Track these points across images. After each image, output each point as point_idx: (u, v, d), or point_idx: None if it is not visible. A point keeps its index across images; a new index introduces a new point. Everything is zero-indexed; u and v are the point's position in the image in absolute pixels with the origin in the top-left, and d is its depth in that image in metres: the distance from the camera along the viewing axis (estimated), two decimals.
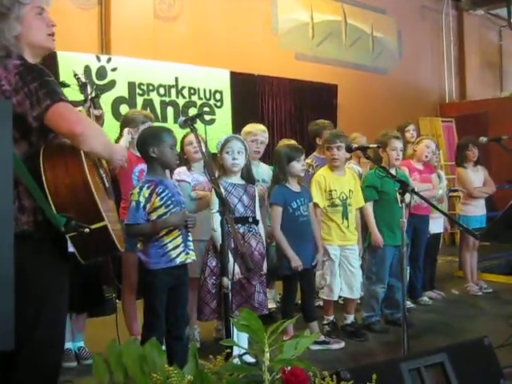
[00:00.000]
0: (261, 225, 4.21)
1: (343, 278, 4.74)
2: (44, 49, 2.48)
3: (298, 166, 4.44)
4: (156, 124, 5.75)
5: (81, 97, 3.47)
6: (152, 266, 3.40)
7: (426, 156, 5.87)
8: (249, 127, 4.97)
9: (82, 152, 2.29)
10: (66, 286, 2.42)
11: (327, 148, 4.79)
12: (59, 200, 2.21)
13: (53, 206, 2.20)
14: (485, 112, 10.92)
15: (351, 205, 4.76)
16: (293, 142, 5.42)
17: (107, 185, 2.62)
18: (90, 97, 3.33)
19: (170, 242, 3.41)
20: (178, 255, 3.43)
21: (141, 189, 3.39)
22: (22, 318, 2.25)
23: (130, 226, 3.37)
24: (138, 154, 4.20)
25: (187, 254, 3.47)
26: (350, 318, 4.88)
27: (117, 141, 4.38)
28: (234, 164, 4.06)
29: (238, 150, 4.07)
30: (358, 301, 5.02)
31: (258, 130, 4.91)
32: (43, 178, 2.20)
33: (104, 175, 2.62)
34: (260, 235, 4.14)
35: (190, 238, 3.53)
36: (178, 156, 3.54)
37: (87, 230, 2.20)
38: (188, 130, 3.67)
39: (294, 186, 4.47)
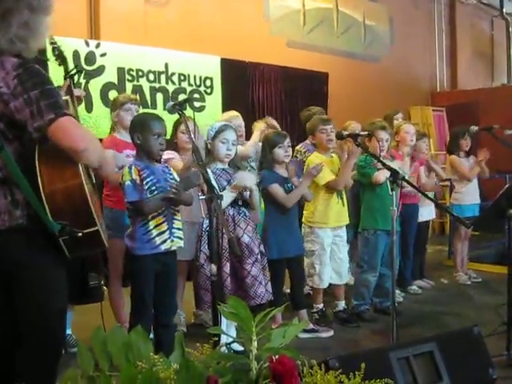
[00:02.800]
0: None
1: (332, 265, 4.75)
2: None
3: (280, 152, 4.41)
4: (145, 110, 5.71)
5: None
6: (137, 251, 3.39)
7: (412, 140, 5.74)
8: (225, 116, 5.11)
9: None
10: (65, 274, 2.43)
11: (321, 131, 4.76)
12: (55, 206, 2.21)
13: (48, 212, 2.19)
14: (476, 101, 10.92)
15: None
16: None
17: (94, 181, 2.61)
18: (69, 74, 3.17)
19: (154, 227, 3.39)
20: (163, 242, 3.41)
21: (130, 168, 3.38)
22: (24, 306, 2.27)
23: (137, 203, 3.34)
24: (124, 139, 4.18)
25: (172, 241, 3.45)
26: (342, 305, 4.89)
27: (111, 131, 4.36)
28: (228, 155, 4.05)
29: (233, 142, 4.05)
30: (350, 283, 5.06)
31: (232, 117, 4.99)
32: (40, 184, 2.19)
33: (92, 172, 2.61)
34: (249, 218, 4.11)
35: (177, 226, 3.50)
36: (162, 145, 3.47)
37: (80, 234, 2.22)
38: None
39: (282, 172, 4.45)
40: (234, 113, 5.15)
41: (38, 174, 2.19)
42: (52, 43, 3.23)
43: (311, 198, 4.61)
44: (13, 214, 2.24)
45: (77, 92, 3.28)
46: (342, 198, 4.75)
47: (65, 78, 3.17)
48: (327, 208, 4.70)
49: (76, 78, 3.24)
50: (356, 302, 5.03)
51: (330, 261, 4.73)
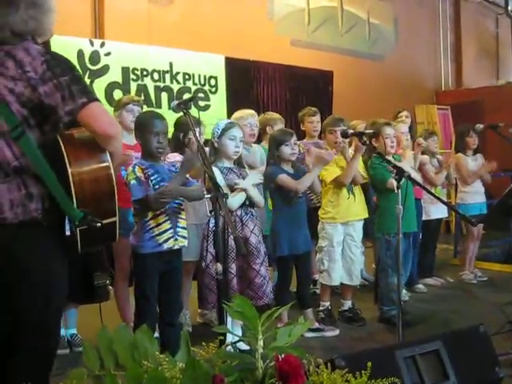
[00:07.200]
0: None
1: (343, 264, 4.72)
2: (49, 36, 2.46)
3: (287, 150, 4.39)
4: (149, 110, 5.70)
5: None
6: (140, 250, 3.40)
7: (407, 140, 5.71)
8: (238, 113, 5.00)
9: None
10: (66, 272, 2.42)
11: (330, 132, 4.73)
12: (82, 194, 2.20)
13: (75, 200, 2.19)
14: (481, 100, 10.89)
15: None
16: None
17: None
18: None
19: (155, 226, 3.40)
20: (165, 240, 3.41)
21: (134, 167, 3.40)
22: (30, 304, 2.26)
23: (144, 200, 3.34)
24: (126, 141, 4.18)
25: (176, 240, 3.44)
26: (348, 304, 4.87)
27: None
28: (236, 152, 4.04)
29: (240, 139, 4.04)
30: (358, 287, 5.07)
31: (248, 115, 4.94)
32: (69, 172, 2.18)
33: None
34: (257, 218, 4.11)
35: (182, 225, 3.50)
36: (160, 144, 3.45)
37: (99, 224, 2.21)
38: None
39: (288, 169, 4.43)
40: (250, 111, 5.07)
41: (67, 162, 2.19)
42: None
43: (319, 190, 4.60)
44: (27, 208, 2.21)
45: None
46: (353, 194, 4.69)
47: None
48: (337, 203, 4.66)
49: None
50: (386, 307, 4.84)
51: (342, 260, 4.70)
